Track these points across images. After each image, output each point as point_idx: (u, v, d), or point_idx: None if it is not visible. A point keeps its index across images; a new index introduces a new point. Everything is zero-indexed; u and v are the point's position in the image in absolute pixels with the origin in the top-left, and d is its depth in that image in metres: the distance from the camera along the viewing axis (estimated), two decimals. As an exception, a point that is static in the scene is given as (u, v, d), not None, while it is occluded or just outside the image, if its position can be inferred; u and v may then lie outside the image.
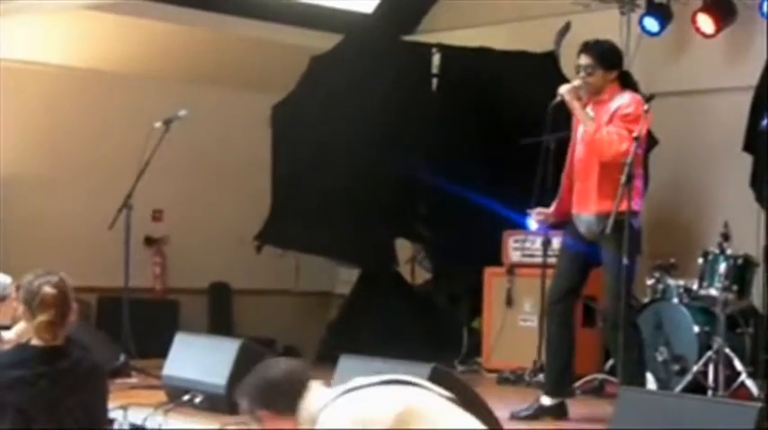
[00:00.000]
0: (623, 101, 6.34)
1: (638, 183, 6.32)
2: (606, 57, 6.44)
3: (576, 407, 7.07)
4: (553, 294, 6.59)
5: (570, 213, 6.55)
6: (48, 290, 4.35)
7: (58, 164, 9.61)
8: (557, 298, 6.55)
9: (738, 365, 6.97)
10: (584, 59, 6.43)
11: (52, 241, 9.24)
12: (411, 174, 9.17)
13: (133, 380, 7.27)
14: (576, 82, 6.43)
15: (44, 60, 9.49)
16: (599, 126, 6.26)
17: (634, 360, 6.26)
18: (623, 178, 6.01)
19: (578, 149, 6.51)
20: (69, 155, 9.67)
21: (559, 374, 6.56)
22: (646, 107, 6.20)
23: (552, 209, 6.68)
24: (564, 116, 6.72)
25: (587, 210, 6.38)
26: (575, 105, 6.38)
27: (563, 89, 6.41)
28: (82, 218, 9.42)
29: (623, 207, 5.99)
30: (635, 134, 6.09)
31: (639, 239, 6.45)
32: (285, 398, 3.84)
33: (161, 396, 6.41)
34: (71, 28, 9.48)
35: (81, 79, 9.78)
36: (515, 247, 8.71)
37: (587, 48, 6.47)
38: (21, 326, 4.62)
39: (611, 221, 5.98)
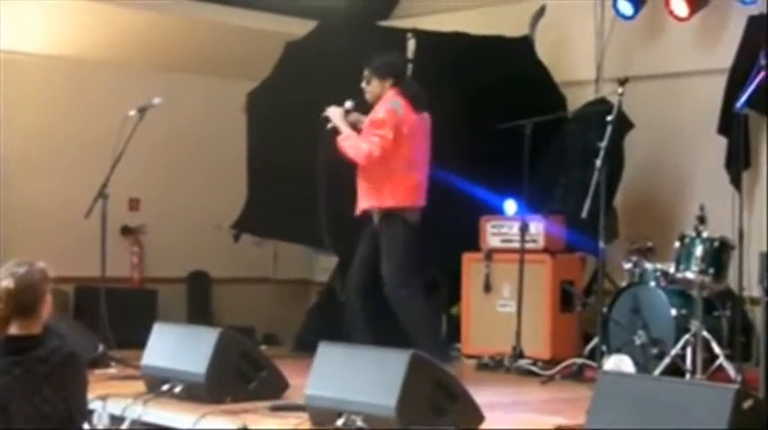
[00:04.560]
0: (379, 107, 7.25)
1: (404, 180, 7.20)
2: (379, 68, 7.35)
3: (555, 391, 7.11)
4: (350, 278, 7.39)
5: None
6: (3, 284, 4.31)
7: (33, 153, 9.55)
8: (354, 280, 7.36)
9: (716, 348, 7.00)
10: (365, 71, 7.39)
11: (28, 231, 9.19)
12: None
13: (112, 371, 7.25)
14: (347, 103, 7.37)
15: (17, 49, 9.42)
16: (342, 137, 7.25)
17: (423, 332, 7.17)
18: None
19: None
20: (45, 144, 9.61)
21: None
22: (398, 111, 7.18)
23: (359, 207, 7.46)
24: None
25: (360, 206, 7.33)
26: (338, 124, 7.29)
27: (330, 111, 7.34)
28: (57, 207, 9.38)
29: (399, 203, 7.16)
30: (384, 135, 7.09)
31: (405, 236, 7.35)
32: None
33: (140, 386, 6.39)
34: (45, 15, 9.41)
35: (54, 67, 9.72)
36: (493, 233, 8.73)
37: (366, 61, 7.41)
38: None
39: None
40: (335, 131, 7.35)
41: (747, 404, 4.34)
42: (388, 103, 7.28)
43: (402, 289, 7.13)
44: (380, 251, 7.24)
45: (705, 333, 7.00)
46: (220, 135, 10.07)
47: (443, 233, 8.29)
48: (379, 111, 7.24)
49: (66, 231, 9.13)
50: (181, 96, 9.63)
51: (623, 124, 8.25)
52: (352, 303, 7.35)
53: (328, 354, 5.54)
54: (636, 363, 7.11)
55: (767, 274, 6.40)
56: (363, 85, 7.41)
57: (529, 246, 8.30)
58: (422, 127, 7.42)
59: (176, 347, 6.31)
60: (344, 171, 7.56)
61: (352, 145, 7.22)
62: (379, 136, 7.16)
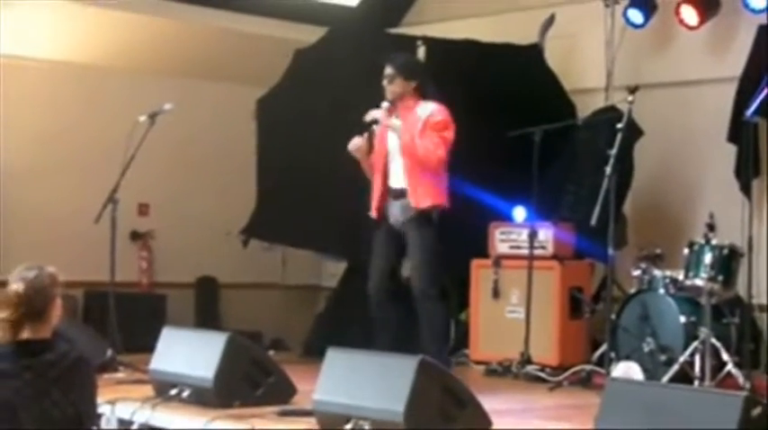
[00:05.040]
0: (431, 109, 7.20)
1: (445, 179, 7.29)
2: (405, 67, 7.33)
3: (563, 398, 7.10)
4: (375, 279, 7.36)
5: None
6: (13, 287, 4.33)
7: (42, 158, 9.58)
8: (379, 282, 7.33)
9: (724, 355, 7.00)
10: (388, 69, 7.30)
11: (38, 236, 9.21)
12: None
13: (120, 375, 7.25)
14: (384, 104, 7.24)
15: (28, 54, 9.45)
16: (413, 136, 7.11)
17: (438, 331, 7.25)
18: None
19: (396, 158, 7.30)
20: (54, 149, 9.64)
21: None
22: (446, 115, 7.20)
23: (374, 208, 7.42)
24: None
25: (419, 204, 7.21)
26: (389, 123, 7.21)
27: (378, 115, 7.22)
28: (67, 212, 9.40)
29: (435, 202, 7.20)
30: (449, 137, 7.14)
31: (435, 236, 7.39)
32: None
33: (148, 390, 6.40)
34: (55, 21, 9.44)
35: (65, 73, 9.75)
36: (502, 239, 8.73)
37: (390, 60, 7.34)
38: None
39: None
40: (372, 135, 7.31)
41: (756, 411, 4.33)
42: (433, 104, 7.28)
43: (434, 288, 7.19)
44: (409, 250, 7.26)
45: (714, 340, 6.99)
46: (230, 141, 10.09)
47: (452, 239, 8.30)
48: (437, 114, 7.23)
49: (75, 236, 9.15)
50: (191, 102, 9.63)
51: (633, 132, 8.25)
52: (383, 307, 7.35)
53: (336, 360, 5.53)
54: (644, 370, 7.10)
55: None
56: (385, 83, 7.32)
57: (537, 252, 8.31)
58: None
59: (185, 352, 6.31)
60: (357, 175, 7.59)
61: (426, 147, 7.15)
62: (444, 137, 7.19)
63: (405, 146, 7.22)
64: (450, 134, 7.21)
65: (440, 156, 7.18)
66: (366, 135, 7.31)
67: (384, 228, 7.42)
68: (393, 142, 7.38)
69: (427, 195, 7.24)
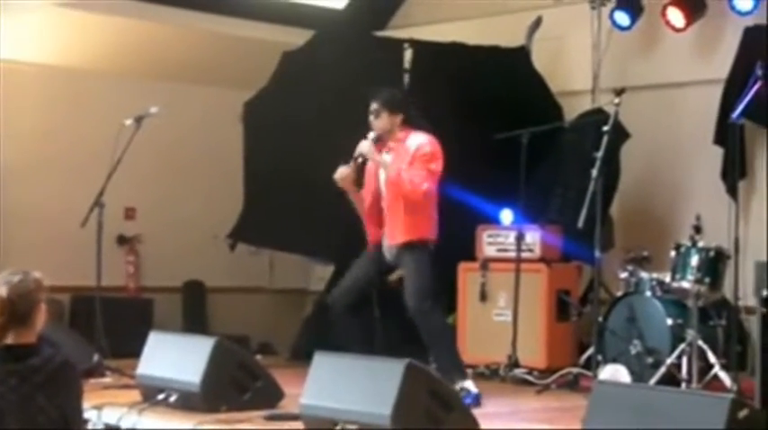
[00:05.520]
0: (420, 140, 6.99)
1: (433, 213, 7.05)
2: (389, 102, 7.09)
3: (550, 400, 7.11)
4: (338, 292, 7.22)
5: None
6: None
7: (28, 161, 9.53)
8: (340, 297, 7.18)
9: (711, 357, 7.02)
10: (373, 105, 7.09)
11: (24, 240, 9.18)
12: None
13: (107, 380, 7.24)
14: (371, 135, 7.03)
15: (15, 58, 9.42)
16: (399, 170, 6.89)
17: (446, 347, 7.03)
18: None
19: (384, 191, 7.10)
20: (41, 152, 9.60)
21: None
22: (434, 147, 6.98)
23: (370, 237, 7.22)
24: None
25: (395, 241, 6.99)
26: (377, 158, 7.00)
27: (364, 149, 7.01)
28: (53, 216, 9.37)
29: (422, 235, 6.95)
30: (436, 170, 6.92)
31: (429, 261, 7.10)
32: None
33: (135, 395, 6.39)
34: (42, 25, 9.42)
35: (52, 77, 9.72)
36: (489, 242, 8.73)
37: (374, 95, 7.13)
38: None
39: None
40: (364, 164, 7.13)
41: (743, 414, 4.34)
42: (423, 136, 7.05)
43: (426, 301, 6.96)
44: (405, 278, 7.05)
45: (701, 342, 7.01)
46: (217, 144, 10.08)
47: (439, 242, 8.31)
48: (425, 146, 6.97)
49: (62, 240, 9.12)
50: (178, 106, 9.61)
51: (619, 134, 8.25)
52: (343, 319, 7.24)
53: (324, 364, 5.53)
54: (631, 373, 7.11)
55: (765, 283, 6.41)
56: (372, 118, 7.08)
57: (525, 255, 8.31)
58: None
59: (172, 356, 6.31)
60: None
61: (412, 180, 6.87)
62: (431, 170, 6.95)
63: (389, 179, 7.00)
64: (437, 167, 6.96)
65: (425, 191, 6.91)
66: (352, 164, 7.05)
67: (376, 253, 7.17)
68: (383, 178, 7.15)
69: (404, 232, 6.97)
